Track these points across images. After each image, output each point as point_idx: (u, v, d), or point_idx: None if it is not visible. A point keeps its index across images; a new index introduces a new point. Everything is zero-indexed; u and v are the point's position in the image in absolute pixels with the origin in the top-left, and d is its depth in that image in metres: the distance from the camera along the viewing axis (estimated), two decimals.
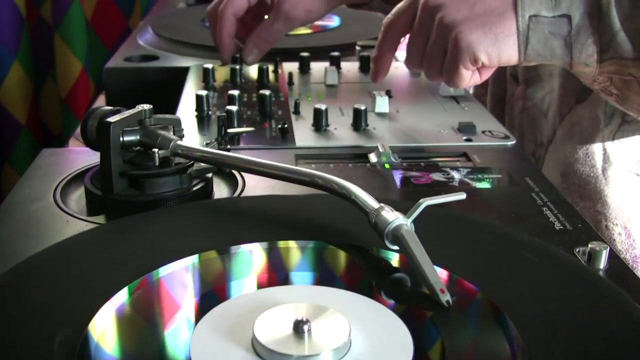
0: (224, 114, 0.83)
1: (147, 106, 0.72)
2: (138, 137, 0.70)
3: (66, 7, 2.03)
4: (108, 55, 2.16)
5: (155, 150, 0.68)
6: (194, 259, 0.58)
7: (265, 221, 0.64)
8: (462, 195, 0.60)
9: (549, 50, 0.79)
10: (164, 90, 1.19)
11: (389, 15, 0.90)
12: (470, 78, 0.84)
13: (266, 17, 1.22)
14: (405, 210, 0.57)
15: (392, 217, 0.56)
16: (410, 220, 0.56)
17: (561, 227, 0.68)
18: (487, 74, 0.85)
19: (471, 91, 1.28)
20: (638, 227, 0.97)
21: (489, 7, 0.80)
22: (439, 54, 0.84)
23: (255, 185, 0.74)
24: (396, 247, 0.56)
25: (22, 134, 2.06)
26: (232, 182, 0.76)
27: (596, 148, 0.99)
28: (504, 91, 1.18)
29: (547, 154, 1.06)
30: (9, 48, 1.96)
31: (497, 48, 0.80)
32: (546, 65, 1.05)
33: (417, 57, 0.87)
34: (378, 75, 0.93)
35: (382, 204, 0.58)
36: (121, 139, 0.69)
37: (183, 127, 0.75)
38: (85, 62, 2.09)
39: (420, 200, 0.57)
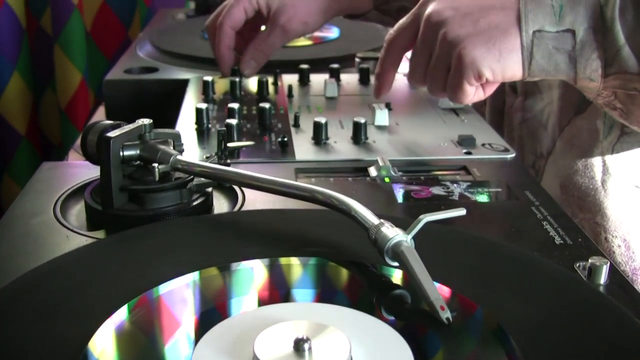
0: (224, 128, 0.83)
1: (147, 121, 0.72)
2: (138, 152, 0.70)
3: (66, 17, 2.03)
4: (108, 65, 2.16)
5: (155, 165, 0.68)
6: (194, 275, 0.58)
7: (266, 237, 0.64)
8: (462, 211, 0.60)
9: (553, 66, 0.79)
10: (164, 102, 1.19)
11: (391, 31, 0.90)
12: (474, 94, 0.83)
13: (263, 28, 1.22)
14: (405, 226, 0.57)
15: (392, 233, 0.56)
16: (410, 236, 0.56)
17: (561, 241, 0.68)
18: (491, 90, 0.85)
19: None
20: (638, 239, 0.97)
21: (493, 22, 0.80)
22: (442, 70, 0.83)
23: (255, 200, 0.74)
24: (396, 264, 0.56)
25: (22, 144, 2.06)
26: (232, 197, 0.76)
27: (595, 160, 0.99)
28: (503, 102, 1.18)
29: (547, 166, 1.06)
30: (9, 58, 1.96)
31: (501, 64, 0.79)
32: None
33: (420, 73, 0.87)
34: (381, 92, 0.93)
35: (382, 220, 0.58)
36: (121, 153, 0.69)
37: (183, 140, 0.75)
38: (85, 72, 2.09)
39: (421, 217, 0.57)
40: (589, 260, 0.61)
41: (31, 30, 2.09)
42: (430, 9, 0.84)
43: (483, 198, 0.77)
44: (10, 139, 2.04)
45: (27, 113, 2.07)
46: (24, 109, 2.05)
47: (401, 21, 0.89)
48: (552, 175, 1.04)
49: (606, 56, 0.77)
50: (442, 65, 0.83)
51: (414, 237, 0.57)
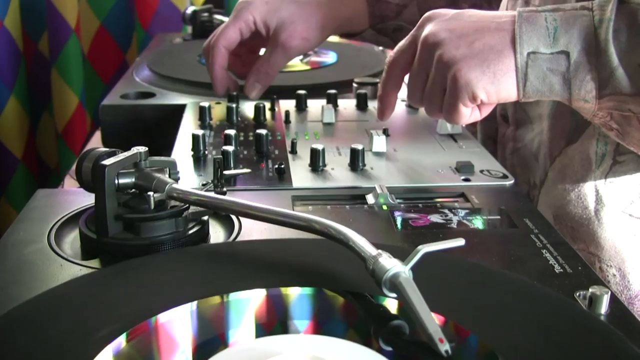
0: (220, 156, 0.83)
1: (142, 148, 0.71)
2: (133, 180, 0.70)
3: (63, 41, 2.03)
4: (105, 89, 2.16)
5: (151, 193, 0.68)
6: (191, 306, 0.57)
7: (263, 267, 0.64)
8: (460, 242, 0.59)
9: (548, 87, 0.80)
10: (161, 127, 1.18)
11: (391, 53, 0.91)
12: (469, 115, 0.84)
13: (262, 51, 1.22)
14: (403, 256, 0.57)
15: (390, 264, 0.56)
16: (408, 267, 0.56)
17: (561, 270, 0.67)
18: (487, 111, 0.86)
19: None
20: (632, 268, 0.96)
21: (488, 44, 0.80)
22: (438, 91, 0.84)
23: (252, 228, 0.74)
24: (394, 295, 0.56)
25: (19, 168, 2.06)
26: (229, 225, 0.75)
27: (588, 189, 0.98)
28: (495, 130, 1.18)
29: (540, 196, 1.05)
30: (6, 82, 1.96)
31: (495, 86, 0.80)
32: (535, 107, 1.05)
33: (418, 94, 0.88)
34: (384, 114, 0.94)
35: (379, 251, 0.57)
36: (116, 181, 0.69)
37: (179, 167, 0.75)
38: (81, 96, 2.09)
39: (419, 247, 0.56)
40: (590, 290, 0.61)
41: (28, 53, 2.09)
42: (427, 30, 0.85)
43: (482, 226, 0.77)
44: (6, 162, 2.03)
45: (24, 137, 2.07)
46: (21, 132, 2.05)
47: (400, 43, 0.90)
48: (545, 205, 1.03)
49: (600, 77, 0.77)
50: (438, 87, 0.84)
51: (412, 268, 0.56)
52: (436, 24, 0.85)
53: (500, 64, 0.80)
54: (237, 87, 1.21)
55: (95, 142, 1.28)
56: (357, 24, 1.25)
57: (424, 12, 1.23)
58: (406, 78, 0.91)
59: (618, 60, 0.76)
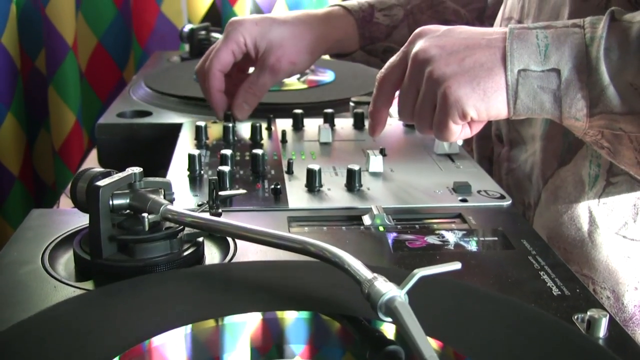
0: (215, 177, 0.82)
1: (137, 169, 0.71)
2: (128, 201, 0.70)
3: (61, 58, 2.02)
4: (102, 107, 2.16)
5: (145, 215, 0.67)
6: (185, 329, 0.57)
7: (258, 289, 0.63)
8: (457, 265, 0.58)
9: (538, 105, 0.79)
10: (157, 146, 1.18)
11: (382, 70, 0.91)
12: (460, 132, 0.84)
13: (251, 69, 1.21)
14: (399, 280, 0.56)
15: (386, 288, 0.55)
16: (404, 291, 0.55)
17: (559, 292, 0.67)
18: (477, 128, 0.86)
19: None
20: (627, 290, 0.96)
21: (478, 61, 0.80)
22: (428, 107, 0.84)
23: (247, 249, 0.73)
24: (390, 319, 0.55)
25: (15, 185, 2.05)
26: (224, 246, 0.75)
27: (581, 211, 0.98)
28: (490, 150, 1.17)
29: (535, 217, 1.05)
30: (3, 99, 1.96)
31: (485, 103, 0.80)
32: (528, 128, 1.04)
33: (408, 110, 0.87)
34: (375, 129, 0.94)
35: (375, 274, 0.57)
36: (110, 202, 0.68)
37: (175, 187, 0.74)
38: (78, 114, 2.09)
39: (415, 271, 0.56)
40: (588, 313, 0.60)
41: (25, 70, 2.08)
42: (417, 47, 0.85)
43: (479, 247, 0.76)
44: (3, 179, 2.02)
45: (21, 154, 2.06)
46: (18, 149, 2.04)
47: (391, 59, 0.90)
48: (539, 227, 1.03)
49: (591, 96, 0.77)
50: (428, 103, 0.84)
51: (407, 292, 0.55)
52: (427, 40, 0.85)
53: (490, 82, 0.80)
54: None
55: (92, 159, 1.28)
56: (348, 46, 1.25)
57: None
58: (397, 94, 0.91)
59: (609, 79, 0.76)
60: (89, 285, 0.67)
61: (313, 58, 1.20)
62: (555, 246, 0.99)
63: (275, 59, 1.15)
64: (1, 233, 2.06)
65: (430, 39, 0.85)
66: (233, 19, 1.19)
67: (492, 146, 1.16)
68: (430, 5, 1.27)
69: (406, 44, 0.88)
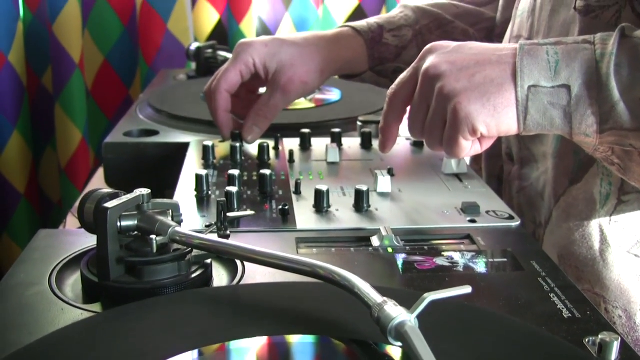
0: (224, 198, 0.82)
1: (145, 191, 0.70)
2: (136, 223, 0.69)
3: (67, 76, 2.03)
4: (108, 124, 2.16)
5: (153, 237, 0.67)
6: (193, 354, 0.56)
7: (266, 313, 0.63)
8: (467, 289, 0.58)
9: (549, 121, 0.79)
10: (164, 165, 1.18)
11: (393, 86, 0.91)
12: (470, 148, 0.84)
13: (261, 89, 1.21)
14: (409, 303, 0.56)
15: (396, 312, 0.55)
16: (414, 315, 0.55)
17: (569, 314, 0.66)
18: (487, 144, 0.86)
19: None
20: (638, 309, 0.95)
21: (489, 77, 0.80)
22: (439, 123, 0.84)
23: (255, 271, 0.73)
24: (400, 344, 0.55)
25: (21, 203, 2.05)
26: (232, 268, 0.74)
27: (593, 229, 0.97)
28: (500, 169, 1.17)
29: (546, 235, 1.04)
30: (9, 117, 1.96)
31: (496, 119, 0.80)
32: (539, 145, 1.04)
33: (419, 127, 0.87)
34: (386, 146, 0.94)
35: (385, 298, 0.56)
36: (118, 224, 0.68)
37: (182, 207, 0.74)
38: (85, 131, 2.09)
39: (425, 295, 0.55)
40: (599, 336, 0.59)
41: (32, 88, 2.09)
42: (428, 63, 0.85)
43: (488, 269, 0.76)
44: (9, 197, 2.03)
45: (27, 172, 2.06)
46: (24, 167, 2.05)
47: (402, 75, 0.90)
48: (551, 245, 1.02)
49: (601, 112, 0.77)
50: (438, 119, 0.84)
51: (418, 317, 0.55)
52: (437, 56, 0.85)
53: (500, 97, 0.80)
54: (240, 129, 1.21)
55: (99, 177, 1.28)
56: (357, 66, 1.25)
57: None
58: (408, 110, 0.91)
59: (619, 95, 0.76)
60: (96, 307, 0.67)
61: (323, 78, 1.19)
62: (566, 265, 0.99)
63: (286, 79, 1.15)
64: (7, 250, 2.06)
65: (440, 54, 0.85)
66: (242, 40, 1.18)
67: (501, 165, 1.16)
68: (439, 25, 1.27)
69: (417, 60, 0.88)
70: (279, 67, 1.15)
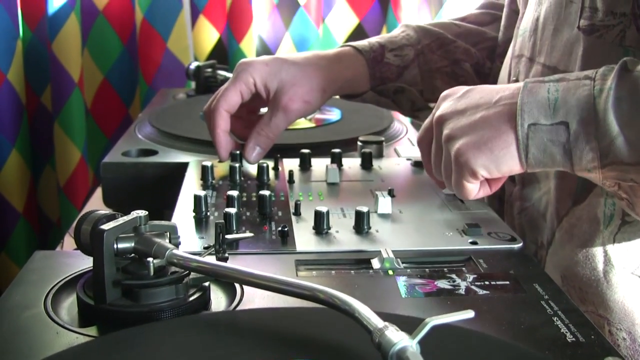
0: (222, 220, 0.81)
1: (142, 213, 0.70)
2: (132, 245, 0.69)
3: (67, 94, 2.03)
4: (107, 143, 2.15)
5: (150, 259, 0.66)
6: None
7: (264, 339, 0.62)
8: (470, 314, 0.57)
9: (549, 158, 0.80)
10: (163, 185, 1.17)
11: (419, 132, 0.94)
12: (479, 190, 0.86)
13: (262, 110, 1.20)
14: (410, 327, 0.55)
15: (397, 337, 0.54)
16: (415, 341, 0.54)
17: (573, 338, 0.65)
18: (496, 185, 0.88)
19: None
20: None
21: (487, 119, 0.82)
22: (449, 167, 0.86)
23: (254, 294, 0.72)
24: None
25: (20, 222, 2.04)
26: (231, 291, 0.73)
27: (596, 250, 0.96)
28: (502, 189, 1.16)
29: (548, 256, 1.03)
30: (8, 135, 1.96)
31: (494, 162, 0.81)
32: None
33: (438, 171, 0.90)
34: (439, 185, 0.96)
35: (386, 323, 0.55)
36: (115, 246, 0.67)
37: (180, 228, 0.74)
38: (84, 150, 2.08)
39: (427, 320, 0.55)
40: None
41: (31, 106, 2.09)
42: (440, 110, 0.88)
43: (490, 292, 0.75)
44: (8, 217, 2.02)
45: (25, 191, 2.06)
46: (22, 187, 2.04)
47: (425, 122, 0.92)
48: (553, 266, 1.01)
49: (600, 147, 0.77)
50: (448, 163, 0.86)
51: (419, 342, 0.54)
52: (447, 102, 0.87)
53: (497, 140, 0.81)
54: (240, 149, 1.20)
55: (98, 197, 1.27)
56: (358, 86, 1.24)
57: (425, 73, 1.23)
58: None
59: (619, 129, 0.75)
60: (92, 331, 0.66)
61: (325, 97, 1.19)
62: (569, 286, 0.98)
63: (287, 98, 1.14)
64: (5, 270, 2.05)
65: (450, 100, 0.87)
66: (243, 60, 1.18)
67: (503, 186, 1.15)
68: (440, 45, 1.27)
69: (435, 105, 0.90)
70: (280, 87, 1.14)
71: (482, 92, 0.86)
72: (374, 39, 1.26)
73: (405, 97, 1.26)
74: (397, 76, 1.24)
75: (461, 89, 0.88)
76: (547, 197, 1.03)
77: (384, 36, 1.28)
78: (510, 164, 0.81)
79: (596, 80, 0.78)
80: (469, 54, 1.27)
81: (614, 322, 0.95)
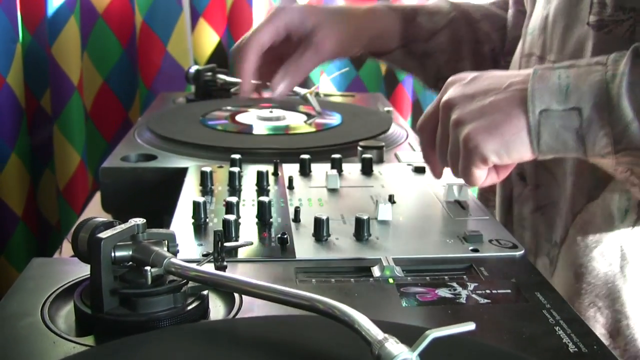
0: (221, 228, 0.80)
1: (140, 220, 0.69)
2: (130, 253, 0.68)
3: (66, 98, 2.02)
4: (107, 147, 2.15)
5: (148, 268, 0.65)
6: None
7: (264, 347, 0.61)
8: (471, 326, 0.56)
9: (562, 144, 0.79)
10: (162, 190, 1.16)
11: (420, 118, 0.93)
12: (486, 177, 0.85)
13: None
14: (410, 337, 0.54)
15: (397, 350, 0.53)
16: (415, 353, 0.53)
17: (575, 349, 0.65)
18: (504, 173, 0.87)
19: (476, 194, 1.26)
20: None
21: (497, 105, 0.81)
22: (457, 153, 0.84)
23: (253, 302, 0.71)
24: None
25: (19, 226, 2.04)
26: (229, 299, 0.73)
27: (612, 245, 0.96)
28: (510, 190, 1.16)
29: (560, 254, 1.02)
30: (7, 139, 1.95)
31: (505, 147, 0.80)
32: (555, 165, 1.03)
33: (443, 157, 0.89)
34: (435, 173, 0.96)
35: (386, 335, 0.55)
36: (112, 254, 0.67)
37: (179, 234, 0.73)
38: (83, 154, 2.08)
39: (427, 332, 0.54)
40: None
41: (30, 110, 2.08)
42: (446, 95, 0.86)
43: (491, 301, 0.74)
44: (7, 221, 2.01)
45: (25, 194, 2.05)
46: (22, 191, 2.03)
47: (428, 107, 0.91)
48: (567, 264, 1.01)
49: (614, 132, 0.76)
50: (455, 149, 0.85)
51: (420, 354, 0.53)
52: (455, 87, 0.86)
53: (508, 125, 0.79)
54: (263, 89, 1.19)
55: (97, 201, 1.26)
56: (388, 42, 1.24)
57: (454, 43, 1.22)
58: None
59: (633, 114, 0.75)
60: (89, 340, 0.65)
61: (357, 46, 1.19)
62: (584, 282, 0.97)
63: (321, 36, 1.14)
64: (4, 274, 2.04)
65: (458, 86, 0.86)
66: (276, 6, 1.18)
67: (511, 186, 1.14)
68: (468, 22, 1.27)
69: (440, 92, 0.89)
70: (315, 25, 1.15)
71: (492, 78, 0.85)
72: (406, 4, 1.27)
73: (432, 61, 1.26)
74: (428, 39, 1.24)
75: (469, 75, 0.88)
76: (562, 195, 1.02)
77: (416, 4, 1.29)
78: (520, 150, 0.80)
79: (608, 66, 0.77)
80: (490, 37, 1.27)
81: (631, 317, 0.95)
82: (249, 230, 0.91)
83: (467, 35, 1.27)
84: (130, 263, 0.69)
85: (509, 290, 0.77)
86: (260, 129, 1.40)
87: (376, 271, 0.80)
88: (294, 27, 1.15)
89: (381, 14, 1.24)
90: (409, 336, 0.55)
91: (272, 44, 1.15)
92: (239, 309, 0.71)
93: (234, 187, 1.06)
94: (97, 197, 1.29)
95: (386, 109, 1.62)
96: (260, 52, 1.14)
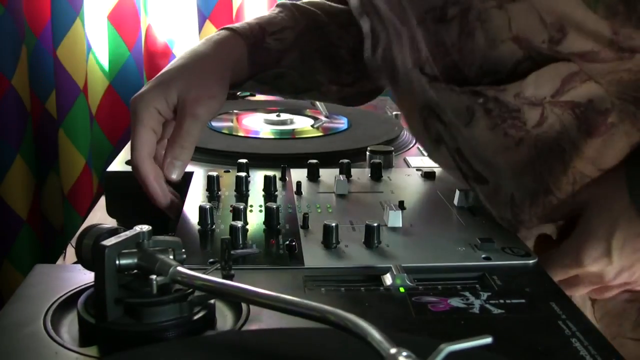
0: (228, 236, 0.78)
1: (145, 227, 0.67)
2: (135, 261, 0.66)
3: (71, 101, 2.01)
4: (112, 150, 2.14)
5: (154, 277, 0.64)
6: None
7: None
8: (487, 340, 0.54)
9: None
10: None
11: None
12: None
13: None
14: (423, 349, 0.52)
15: None
16: None
17: None
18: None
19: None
20: None
21: None
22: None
23: (260, 312, 0.69)
24: None
25: (23, 229, 2.03)
26: (236, 309, 0.71)
27: None
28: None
29: None
30: (12, 142, 1.95)
31: None
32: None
33: None
34: None
35: (399, 348, 0.53)
36: (117, 262, 0.65)
37: (185, 240, 0.72)
38: (88, 157, 2.07)
39: (442, 346, 0.52)
40: None
41: (36, 113, 2.07)
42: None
43: (504, 311, 0.72)
44: (11, 224, 2.01)
45: (29, 197, 2.04)
46: (26, 194, 2.03)
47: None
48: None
49: None
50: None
51: None
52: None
53: None
54: (181, 202, 1.07)
55: (102, 204, 1.25)
56: (239, 74, 1.16)
57: (305, 55, 1.18)
58: None
59: None
60: (92, 351, 0.63)
61: (226, 85, 1.10)
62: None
63: (191, 101, 1.05)
64: (8, 277, 2.04)
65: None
66: (133, 97, 1.06)
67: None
68: (317, 26, 1.21)
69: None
70: (180, 96, 1.05)
71: None
72: (253, 21, 1.19)
73: (286, 81, 1.19)
74: (277, 61, 1.18)
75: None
76: None
77: (262, 17, 1.20)
78: None
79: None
80: (343, 38, 1.21)
81: None
82: (256, 236, 0.89)
83: (318, 43, 1.20)
84: (135, 271, 0.67)
85: (523, 300, 0.75)
86: (267, 133, 1.38)
87: (387, 279, 0.78)
88: (165, 110, 1.05)
89: (230, 47, 1.14)
90: (422, 349, 0.53)
91: (157, 136, 1.06)
92: (247, 319, 0.69)
93: (241, 192, 1.05)
94: (102, 201, 1.28)
95: (394, 112, 1.61)
96: (150, 157, 1.04)
